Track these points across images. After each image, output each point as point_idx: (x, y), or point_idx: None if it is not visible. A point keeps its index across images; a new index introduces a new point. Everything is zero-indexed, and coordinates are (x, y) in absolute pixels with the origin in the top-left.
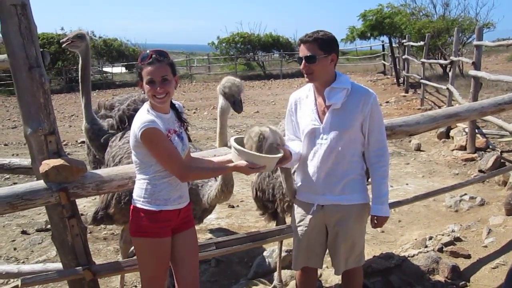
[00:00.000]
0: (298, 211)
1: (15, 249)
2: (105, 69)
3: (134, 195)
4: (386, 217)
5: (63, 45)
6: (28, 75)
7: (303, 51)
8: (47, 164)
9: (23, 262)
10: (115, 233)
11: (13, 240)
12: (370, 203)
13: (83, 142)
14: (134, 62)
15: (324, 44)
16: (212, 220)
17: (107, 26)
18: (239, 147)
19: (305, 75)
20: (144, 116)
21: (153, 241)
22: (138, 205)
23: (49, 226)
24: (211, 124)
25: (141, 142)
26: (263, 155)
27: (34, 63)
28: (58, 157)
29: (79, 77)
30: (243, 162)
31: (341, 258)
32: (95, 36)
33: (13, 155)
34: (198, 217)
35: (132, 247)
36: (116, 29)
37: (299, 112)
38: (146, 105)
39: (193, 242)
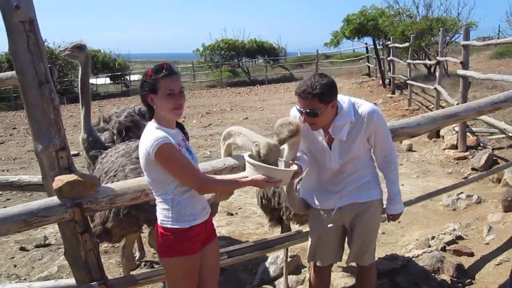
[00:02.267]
0: (315, 216)
1: (15, 266)
2: (90, 80)
3: (161, 217)
4: (401, 212)
5: (62, 55)
6: (38, 91)
7: (303, 105)
8: (61, 180)
9: (24, 279)
10: (116, 246)
11: (12, 257)
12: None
13: (75, 154)
14: (119, 73)
15: (323, 97)
16: None
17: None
18: (256, 162)
19: (308, 125)
20: (155, 133)
21: (185, 259)
22: (168, 226)
23: (47, 241)
24: (201, 132)
25: (155, 160)
26: (281, 168)
27: (43, 79)
28: (70, 172)
29: (79, 88)
30: (260, 176)
31: (356, 251)
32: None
33: (2, 170)
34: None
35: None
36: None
37: (306, 133)
38: (153, 123)
39: (217, 254)
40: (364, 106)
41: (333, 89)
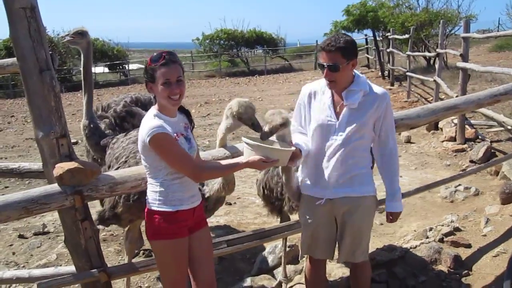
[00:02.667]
0: (306, 205)
1: (13, 253)
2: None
3: (150, 199)
4: (400, 212)
5: (64, 41)
6: (39, 78)
7: (325, 59)
8: (61, 167)
9: (23, 267)
10: (114, 234)
11: (11, 245)
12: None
13: (74, 143)
14: (117, 62)
15: (346, 52)
16: (211, 218)
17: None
18: (253, 142)
19: (327, 82)
20: (151, 122)
21: (172, 242)
22: (154, 208)
23: (46, 229)
24: (200, 121)
25: (150, 147)
26: (278, 148)
27: (44, 66)
28: (70, 160)
29: (82, 74)
30: (256, 157)
31: (347, 248)
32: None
33: (1, 158)
34: (210, 209)
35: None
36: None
37: (314, 106)
38: (153, 110)
39: (208, 241)
40: (378, 87)
41: (355, 47)
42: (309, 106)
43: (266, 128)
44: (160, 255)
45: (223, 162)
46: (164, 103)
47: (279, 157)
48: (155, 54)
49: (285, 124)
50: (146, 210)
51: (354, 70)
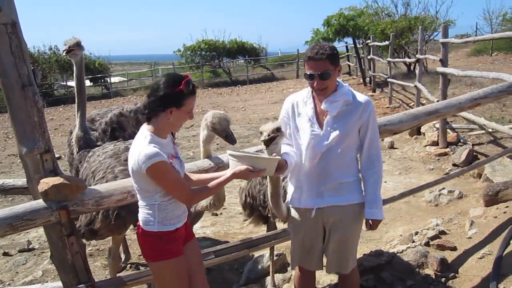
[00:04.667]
0: (295, 215)
1: None
2: (69, 83)
3: (146, 221)
4: (381, 220)
5: (63, 54)
6: (21, 93)
7: (314, 68)
8: (46, 183)
9: (8, 285)
10: (100, 249)
11: None
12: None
13: (57, 158)
14: (99, 75)
15: (334, 58)
16: (198, 229)
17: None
18: (238, 152)
19: (317, 91)
20: (147, 149)
21: (174, 261)
22: (154, 230)
23: (31, 246)
24: (183, 133)
25: (146, 174)
26: (264, 156)
27: (26, 81)
28: (55, 175)
29: (75, 86)
30: (242, 167)
31: (336, 257)
32: (58, 51)
33: None
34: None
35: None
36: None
37: (298, 118)
38: (147, 133)
39: (198, 251)
40: (361, 95)
41: (338, 54)
42: (293, 118)
43: (264, 135)
44: (162, 276)
45: (208, 176)
46: (171, 128)
47: (265, 166)
48: (184, 79)
49: (279, 128)
50: (140, 232)
51: (337, 79)
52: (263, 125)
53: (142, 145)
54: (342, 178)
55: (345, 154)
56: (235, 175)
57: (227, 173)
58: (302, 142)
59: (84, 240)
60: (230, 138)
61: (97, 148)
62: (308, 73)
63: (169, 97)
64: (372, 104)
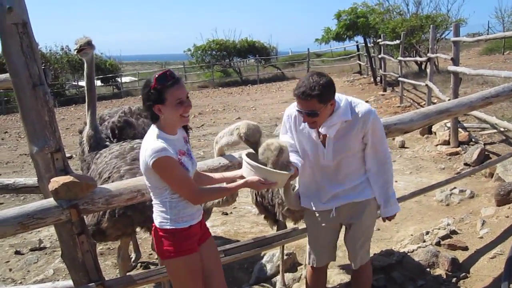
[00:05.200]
0: (311, 217)
1: (10, 270)
2: (81, 83)
3: (159, 219)
4: (396, 212)
5: (74, 53)
6: (32, 93)
7: (302, 106)
8: (57, 181)
9: (20, 283)
10: (111, 248)
11: (7, 261)
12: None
13: (68, 157)
14: (110, 75)
15: (322, 97)
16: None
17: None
18: (254, 163)
19: (308, 125)
20: (154, 144)
21: (188, 259)
22: (167, 227)
23: (42, 245)
24: (194, 132)
25: (152, 170)
26: (279, 171)
27: (37, 81)
28: (65, 174)
29: (85, 84)
30: (255, 178)
31: (358, 252)
32: (70, 51)
33: None
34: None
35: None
36: None
37: (300, 131)
38: (155, 130)
39: (216, 250)
40: (361, 106)
41: (331, 88)
42: (295, 129)
43: (269, 166)
44: (176, 273)
45: (218, 176)
46: (174, 123)
47: (277, 179)
48: (158, 75)
49: (280, 152)
50: (154, 230)
51: (337, 97)
52: (262, 153)
53: (150, 141)
54: (352, 182)
55: (351, 163)
56: (247, 184)
57: (238, 180)
58: (306, 156)
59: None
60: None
61: (104, 149)
62: (296, 108)
63: (149, 96)
64: (374, 112)
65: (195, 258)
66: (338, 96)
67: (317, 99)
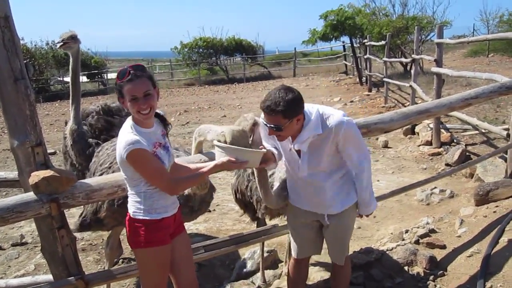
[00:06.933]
0: (294, 212)
1: None
2: (66, 79)
3: (133, 208)
4: (373, 209)
5: (57, 47)
6: (14, 87)
7: (267, 120)
8: (37, 175)
9: (1, 278)
10: (93, 244)
11: None
12: None
13: (51, 153)
14: (95, 71)
15: (287, 113)
16: (190, 225)
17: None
18: (223, 144)
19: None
20: (128, 136)
21: (157, 250)
22: (140, 217)
23: (24, 240)
24: (179, 130)
25: (127, 162)
26: (249, 149)
27: (19, 75)
28: (46, 168)
29: (70, 79)
30: (225, 158)
31: (337, 249)
32: (55, 46)
33: None
34: (196, 209)
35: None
36: None
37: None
38: (129, 122)
39: (188, 245)
40: (332, 118)
41: (298, 104)
42: (273, 138)
43: (238, 127)
44: (144, 263)
45: (193, 166)
46: (138, 118)
47: (248, 158)
48: (121, 70)
49: (255, 123)
50: (128, 219)
51: (306, 109)
52: (237, 124)
53: (124, 133)
54: (331, 193)
55: (330, 174)
56: (217, 166)
57: (210, 164)
58: (286, 163)
59: (90, 232)
60: None
61: (107, 142)
62: (263, 121)
63: (115, 90)
64: (346, 123)
65: (165, 250)
66: (309, 108)
67: (281, 114)
